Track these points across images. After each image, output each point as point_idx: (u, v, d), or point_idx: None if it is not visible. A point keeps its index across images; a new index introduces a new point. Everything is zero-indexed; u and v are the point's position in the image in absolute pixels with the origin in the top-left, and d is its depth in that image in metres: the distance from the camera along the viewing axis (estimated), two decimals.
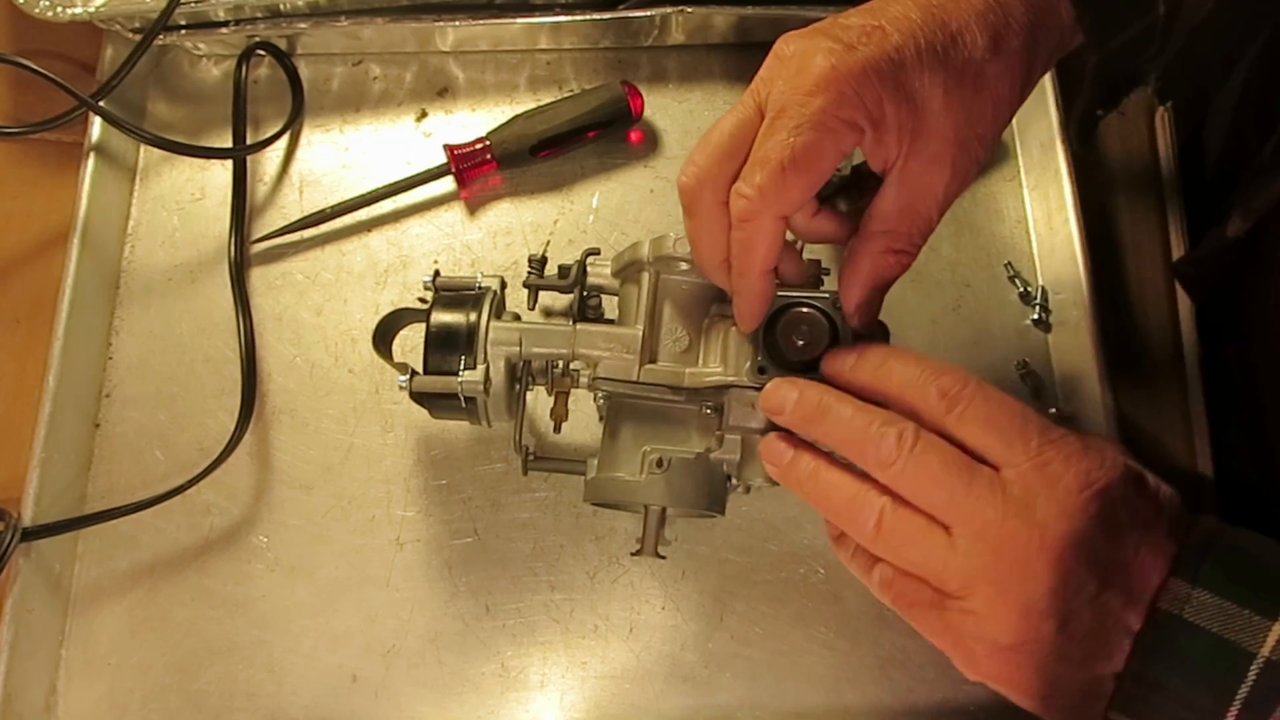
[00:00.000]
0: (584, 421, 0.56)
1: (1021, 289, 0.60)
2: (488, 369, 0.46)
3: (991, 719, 0.53)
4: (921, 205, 0.40)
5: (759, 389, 0.42)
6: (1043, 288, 0.60)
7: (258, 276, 0.59)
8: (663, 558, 0.45)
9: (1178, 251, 0.60)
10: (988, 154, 0.40)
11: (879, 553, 0.39)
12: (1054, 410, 0.57)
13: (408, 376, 0.47)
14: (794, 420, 0.40)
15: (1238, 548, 0.35)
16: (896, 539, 0.38)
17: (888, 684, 0.53)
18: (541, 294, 0.52)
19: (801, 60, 0.37)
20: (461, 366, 0.46)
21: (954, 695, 0.53)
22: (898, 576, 0.39)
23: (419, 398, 0.47)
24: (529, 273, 0.50)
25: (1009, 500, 0.36)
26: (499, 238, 0.61)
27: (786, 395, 0.40)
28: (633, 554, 0.45)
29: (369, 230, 0.61)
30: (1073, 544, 0.35)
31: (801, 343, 0.42)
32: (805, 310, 0.42)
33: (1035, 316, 0.60)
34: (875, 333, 0.43)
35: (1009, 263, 0.61)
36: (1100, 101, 0.48)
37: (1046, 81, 0.61)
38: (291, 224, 0.60)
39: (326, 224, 0.60)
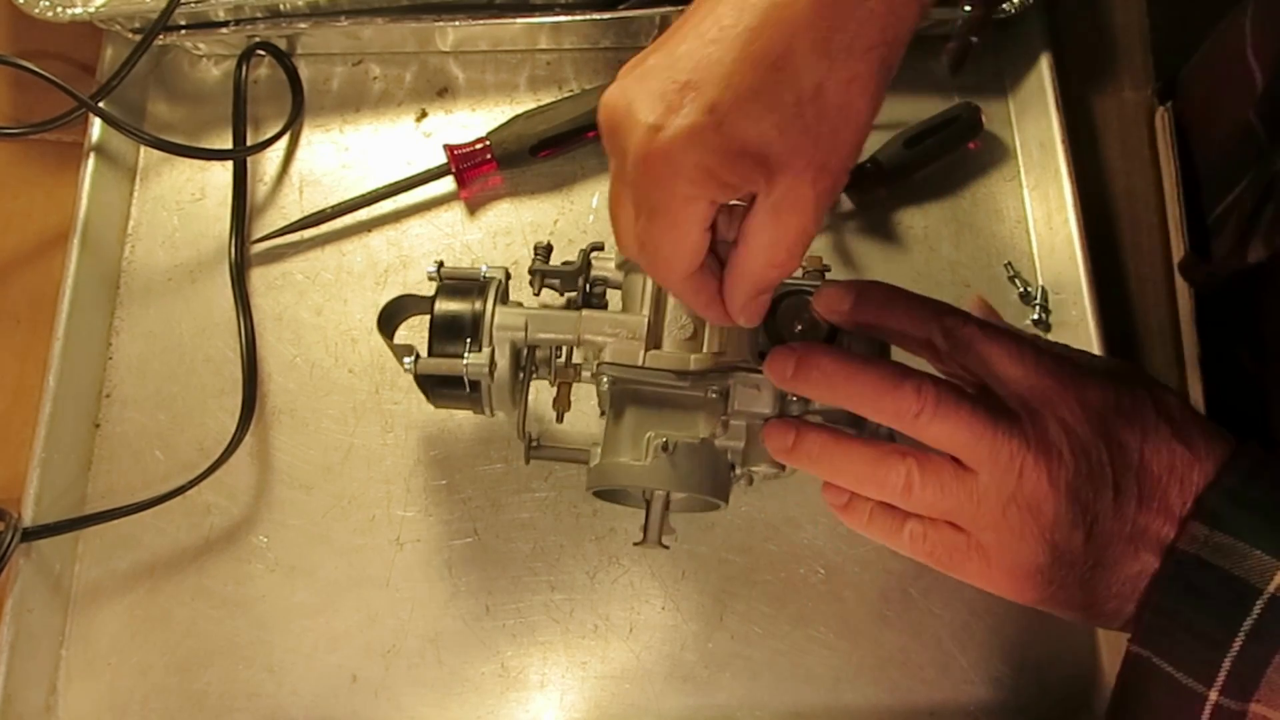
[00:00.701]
0: (585, 420, 0.56)
1: (1021, 289, 0.60)
2: (493, 352, 0.46)
3: (991, 718, 0.53)
4: (782, 245, 0.36)
5: (763, 373, 0.43)
6: (1043, 288, 0.60)
7: (258, 276, 0.59)
8: (666, 547, 0.45)
9: (1178, 251, 0.60)
10: (850, 163, 0.35)
11: (910, 508, 0.40)
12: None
13: (412, 358, 0.46)
14: (798, 381, 0.41)
15: (1264, 490, 0.37)
16: (929, 493, 0.39)
17: (888, 684, 0.53)
18: (544, 290, 0.52)
19: (624, 135, 0.34)
20: (467, 351, 0.46)
21: (954, 695, 0.53)
22: (930, 530, 0.40)
23: (423, 381, 0.47)
24: (535, 258, 0.50)
25: (1026, 428, 0.38)
26: (499, 238, 0.61)
27: (787, 359, 0.41)
28: (636, 544, 0.45)
29: (369, 230, 0.61)
30: (1082, 457, 0.37)
31: (800, 328, 0.43)
32: (807, 298, 0.43)
33: (1035, 316, 0.60)
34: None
35: (1009, 263, 0.61)
36: (975, 29, 0.48)
37: (1046, 81, 0.61)
38: (291, 224, 0.60)
39: (326, 224, 0.60)
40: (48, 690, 0.52)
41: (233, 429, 0.55)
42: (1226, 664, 0.35)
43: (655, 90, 0.33)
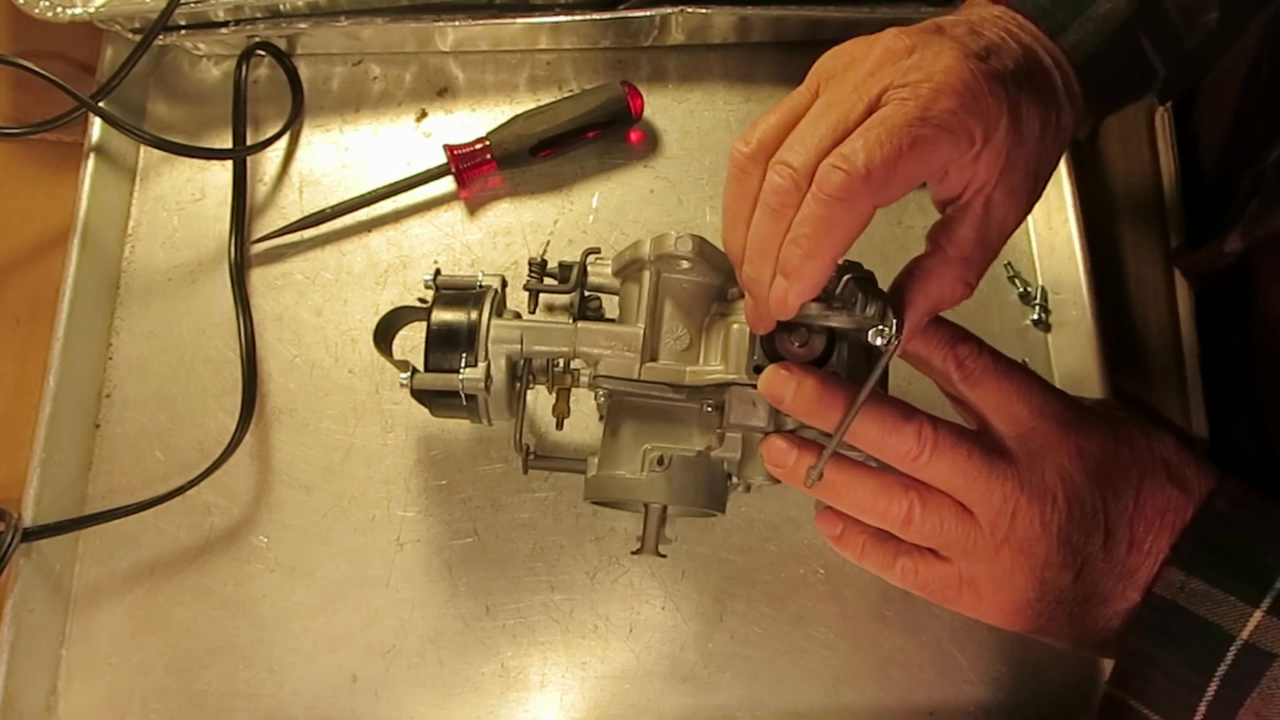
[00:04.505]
0: (585, 421, 0.56)
1: (1021, 289, 0.60)
2: (489, 366, 0.46)
3: (991, 719, 0.53)
4: (995, 237, 0.39)
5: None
6: (1043, 288, 0.60)
7: (258, 276, 0.59)
8: (663, 556, 0.45)
9: None
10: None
11: (907, 538, 0.41)
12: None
13: (409, 374, 0.46)
14: (796, 409, 0.40)
15: (1238, 534, 0.38)
16: (928, 526, 0.40)
17: (888, 684, 0.53)
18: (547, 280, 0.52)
19: (928, 57, 0.35)
20: (463, 364, 0.46)
21: (954, 695, 0.53)
22: (921, 565, 0.41)
23: (420, 395, 0.47)
24: (529, 276, 0.50)
25: (1022, 472, 0.39)
26: (499, 238, 0.61)
27: (786, 384, 0.40)
28: (633, 552, 0.45)
29: (369, 230, 0.61)
30: (1076, 503, 0.38)
31: (798, 345, 0.42)
32: None
33: (1035, 316, 0.60)
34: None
35: (1009, 263, 0.61)
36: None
37: None
38: (291, 224, 0.60)
39: (326, 224, 0.60)
40: (48, 690, 0.52)
41: (233, 429, 0.55)
42: (1202, 708, 0.36)
43: (977, 35, 0.38)
